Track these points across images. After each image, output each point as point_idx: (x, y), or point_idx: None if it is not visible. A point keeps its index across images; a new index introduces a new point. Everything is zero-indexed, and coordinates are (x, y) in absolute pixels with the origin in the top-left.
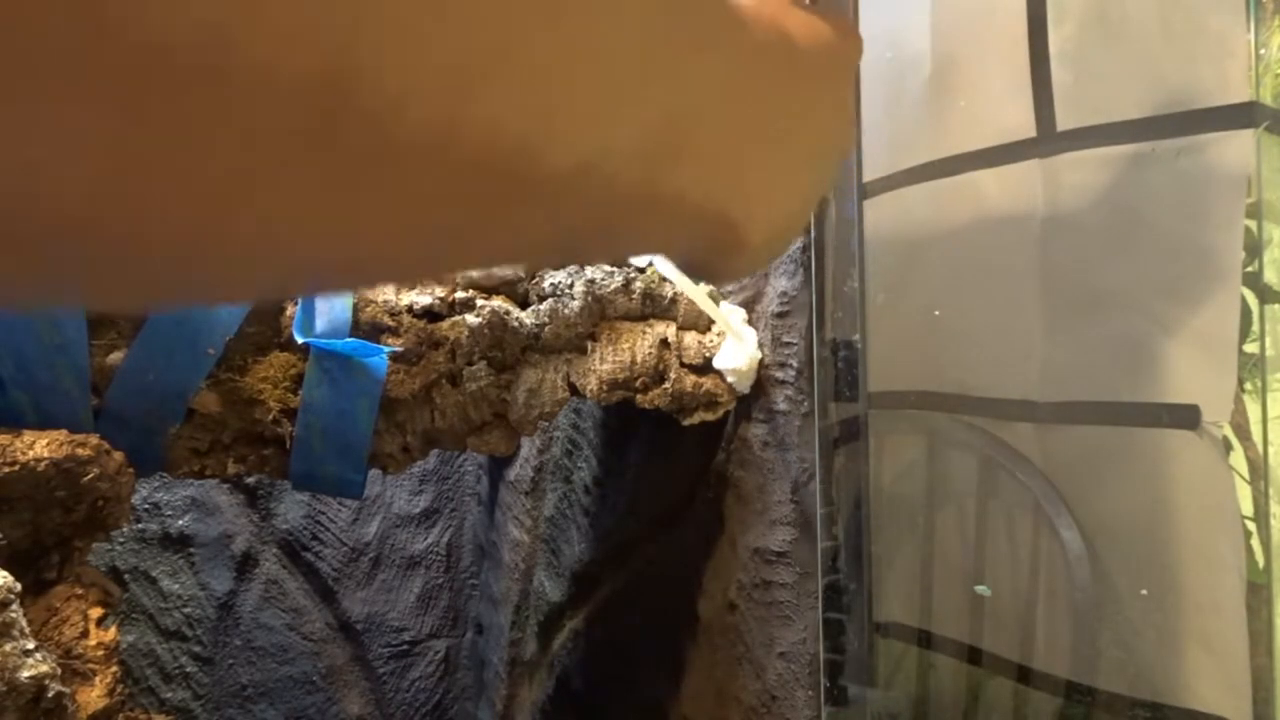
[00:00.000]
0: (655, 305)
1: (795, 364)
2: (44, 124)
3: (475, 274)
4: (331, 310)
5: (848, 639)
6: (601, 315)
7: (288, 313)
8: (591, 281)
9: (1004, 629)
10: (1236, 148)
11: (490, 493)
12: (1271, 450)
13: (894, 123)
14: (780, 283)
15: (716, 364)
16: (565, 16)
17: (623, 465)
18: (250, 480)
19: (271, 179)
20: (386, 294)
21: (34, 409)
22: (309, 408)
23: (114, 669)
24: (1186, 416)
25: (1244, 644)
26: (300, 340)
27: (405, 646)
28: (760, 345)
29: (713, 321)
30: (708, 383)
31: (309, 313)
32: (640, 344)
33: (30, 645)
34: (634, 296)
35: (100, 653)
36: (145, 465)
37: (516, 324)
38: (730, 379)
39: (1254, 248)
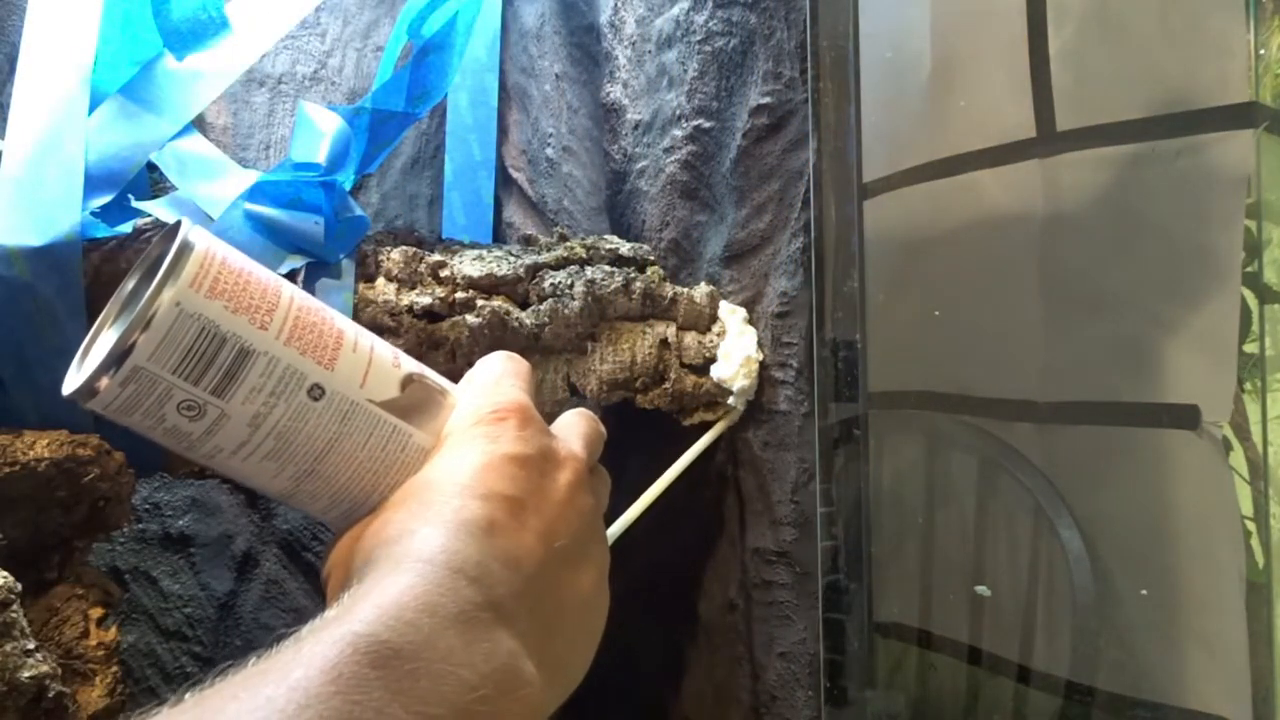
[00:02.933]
0: (655, 305)
1: (795, 364)
2: None
3: (474, 274)
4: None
5: (848, 639)
6: (601, 315)
7: None
8: (591, 282)
9: (1004, 629)
10: (1236, 148)
11: None
12: (1271, 450)
13: (894, 123)
14: (780, 283)
15: (715, 374)
16: None
17: (623, 465)
18: None
19: None
20: (387, 294)
21: (35, 409)
22: None
23: (114, 669)
24: (1186, 416)
25: (1244, 644)
26: None
27: None
28: (760, 345)
29: (713, 321)
30: (708, 383)
31: None
32: (640, 344)
33: (30, 645)
34: (634, 297)
35: (101, 653)
36: (145, 465)
37: (516, 324)
38: (733, 400)
39: (1254, 248)
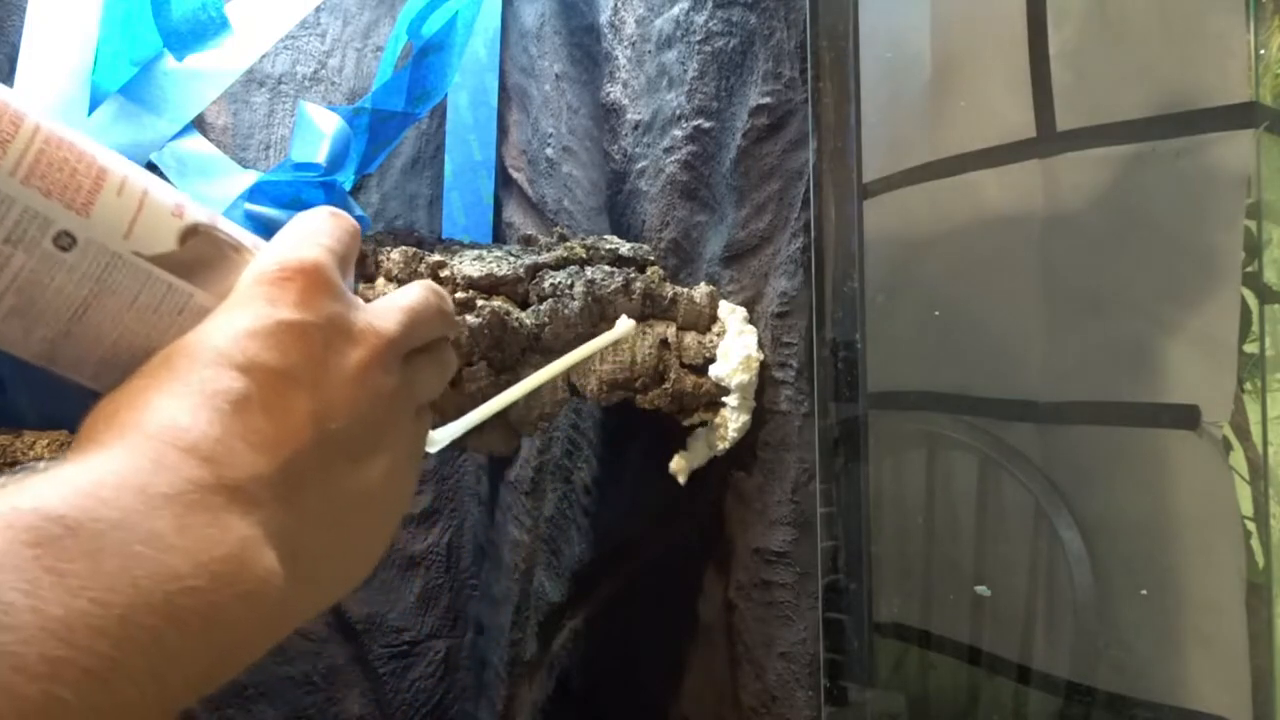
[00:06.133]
0: (655, 305)
1: (795, 364)
2: None
3: (474, 274)
4: None
5: (848, 639)
6: (601, 315)
7: None
8: (591, 282)
9: (1004, 629)
10: (1236, 148)
11: (490, 493)
12: (1271, 450)
13: (894, 123)
14: (780, 283)
15: (714, 373)
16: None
17: (623, 465)
18: None
19: None
20: (386, 294)
21: (34, 409)
22: None
23: None
24: (1186, 416)
25: (1244, 644)
26: None
27: (405, 647)
28: (760, 345)
29: (713, 321)
30: (708, 383)
31: None
32: (640, 344)
33: None
34: (634, 297)
35: None
36: None
37: (516, 324)
38: (734, 401)
39: (1254, 248)
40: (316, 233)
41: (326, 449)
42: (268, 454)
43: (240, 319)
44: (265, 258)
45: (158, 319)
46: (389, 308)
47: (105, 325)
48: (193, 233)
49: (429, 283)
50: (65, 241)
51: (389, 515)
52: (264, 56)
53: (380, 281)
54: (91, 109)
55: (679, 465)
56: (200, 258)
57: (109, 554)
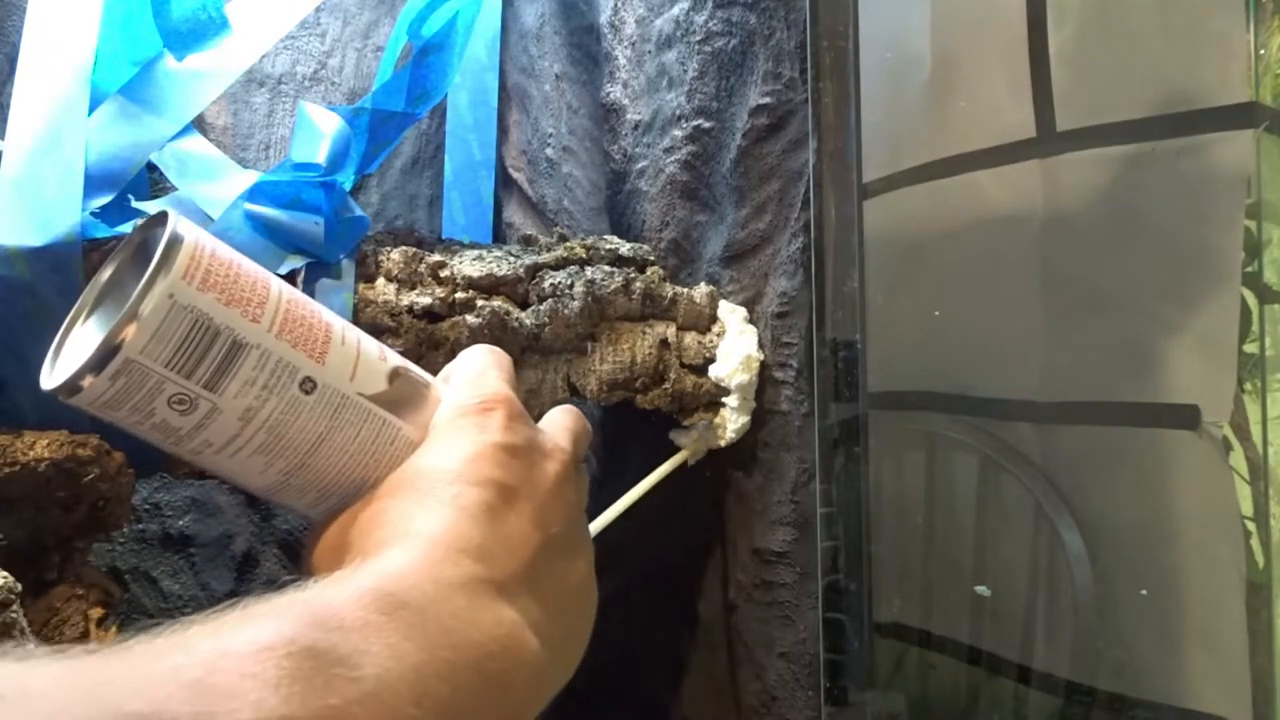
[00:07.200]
0: (655, 305)
1: (795, 364)
2: None
3: (474, 274)
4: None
5: (848, 639)
6: (601, 315)
7: None
8: (591, 282)
9: (1004, 629)
10: (1236, 148)
11: None
12: (1271, 450)
13: (894, 123)
14: (780, 283)
15: (714, 374)
16: None
17: (623, 465)
18: None
19: None
20: (386, 294)
21: (35, 409)
22: None
23: None
24: (1186, 416)
25: (1244, 644)
26: None
27: None
28: (760, 345)
29: (713, 321)
30: (708, 383)
31: None
32: (640, 344)
33: (30, 646)
34: (634, 297)
35: None
36: (145, 465)
37: (516, 324)
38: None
39: (1254, 248)
40: (490, 365)
41: (550, 549)
42: (515, 555)
43: (462, 445)
44: (464, 393)
45: (375, 449)
46: (561, 429)
47: (333, 457)
48: (396, 375)
49: (575, 409)
50: (308, 386)
51: (590, 610)
52: (264, 56)
53: (380, 281)
54: (91, 109)
55: (682, 440)
56: (403, 395)
57: (434, 622)
